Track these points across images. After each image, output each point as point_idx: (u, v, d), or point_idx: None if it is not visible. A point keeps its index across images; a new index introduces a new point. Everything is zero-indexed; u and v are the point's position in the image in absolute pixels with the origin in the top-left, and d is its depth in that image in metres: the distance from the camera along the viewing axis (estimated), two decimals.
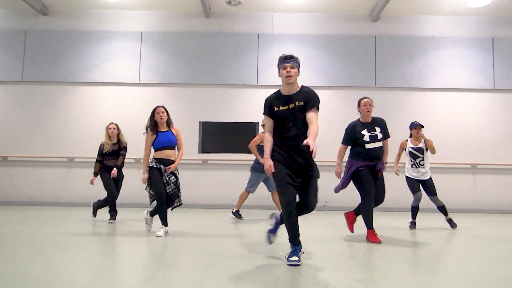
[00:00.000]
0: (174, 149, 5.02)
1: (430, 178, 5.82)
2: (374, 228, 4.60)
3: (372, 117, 4.79)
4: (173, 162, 4.92)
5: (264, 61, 9.25)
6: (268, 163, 3.37)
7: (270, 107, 3.55)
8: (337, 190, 4.85)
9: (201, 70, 9.24)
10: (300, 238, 3.36)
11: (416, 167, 5.83)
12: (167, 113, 5.06)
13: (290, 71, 3.46)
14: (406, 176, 5.91)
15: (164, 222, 4.80)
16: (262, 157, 4.12)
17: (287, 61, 3.49)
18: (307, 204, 3.39)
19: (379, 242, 4.45)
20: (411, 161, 5.87)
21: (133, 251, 4.00)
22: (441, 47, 9.28)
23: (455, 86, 9.20)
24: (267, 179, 6.72)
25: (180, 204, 5.04)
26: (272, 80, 9.05)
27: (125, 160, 6.29)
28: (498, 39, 9.27)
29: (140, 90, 9.19)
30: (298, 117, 3.42)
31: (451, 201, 8.78)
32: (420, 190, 5.82)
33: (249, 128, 9.11)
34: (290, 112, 3.43)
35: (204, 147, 9.13)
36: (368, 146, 4.62)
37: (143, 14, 9.44)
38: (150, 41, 9.33)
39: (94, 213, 6.31)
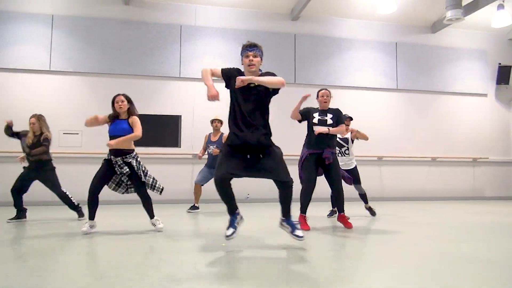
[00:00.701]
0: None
1: (356, 167, 6.22)
2: (306, 214, 4.91)
3: (328, 107, 5.16)
4: (122, 151, 4.56)
5: (187, 53, 9.13)
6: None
7: (230, 76, 3.55)
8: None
9: (121, 60, 8.82)
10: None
11: (342, 156, 6.18)
12: (131, 102, 4.79)
13: (252, 60, 3.49)
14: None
15: (91, 216, 4.56)
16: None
17: (250, 49, 3.51)
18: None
19: (309, 229, 4.74)
20: (337, 150, 6.15)
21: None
22: (353, 49, 10.02)
23: (364, 85, 10.01)
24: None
25: (155, 188, 4.73)
26: (195, 72, 8.97)
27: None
28: (401, 43, 10.29)
29: (52, 78, 8.48)
30: (259, 100, 3.51)
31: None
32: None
33: (172, 121, 8.95)
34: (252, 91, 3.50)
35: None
36: (315, 128, 4.90)
37: None
38: (62, 26, 8.63)
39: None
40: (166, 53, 9.05)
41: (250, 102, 3.48)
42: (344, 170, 6.01)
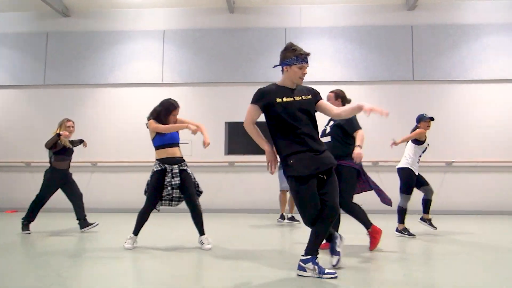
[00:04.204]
0: (178, 147, 4.41)
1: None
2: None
3: None
4: (180, 158, 4.34)
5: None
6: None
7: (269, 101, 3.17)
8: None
9: (226, 68, 8.82)
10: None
11: (417, 163, 5.24)
12: None
13: (305, 73, 3.12)
14: (409, 169, 5.13)
15: (136, 232, 4.28)
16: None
17: (307, 61, 3.12)
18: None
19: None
20: (421, 156, 5.24)
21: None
22: (484, 35, 8.54)
23: (500, 77, 8.45)
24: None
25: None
26: None
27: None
28: None
29: (164, 90, 8.82)
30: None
31: (497, 202, 8.11)
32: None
33: None
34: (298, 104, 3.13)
35: (231, 149, 8.71)
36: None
37: (164, 12, 9.10)
38: (173, 40, 8.97)
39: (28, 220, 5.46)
40: (271, 58, 8.77)
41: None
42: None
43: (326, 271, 2.99)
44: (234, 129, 8.71)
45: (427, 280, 3.09)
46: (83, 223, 5.52)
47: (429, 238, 5.00)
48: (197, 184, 4.43)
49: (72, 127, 5.63)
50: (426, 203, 5.35)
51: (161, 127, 4.19)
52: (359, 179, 4.19)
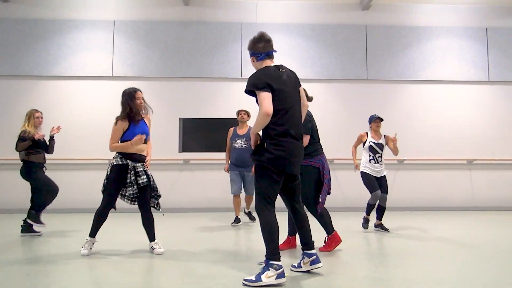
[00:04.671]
0: (146, 144, 4.14)
1: (385, 175, 5.53)
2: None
3: None
4: (145, 157, 4.10)
5: (248, 52, 8.57)
6: None
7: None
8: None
9: (181, 62, 8.51)
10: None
11: (375, 163, 5.46)
12: None
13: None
14: (363, 172, 5.50)
15: (93, 233, 3.96)
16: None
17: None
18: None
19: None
20: (370, 155, 5.47)
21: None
22: (434, 38, 8.84)
23: (449, 78, 8.78)
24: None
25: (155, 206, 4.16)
26: None
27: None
28: (492, 29, 8.90)
29: (114, 83, 8.37)
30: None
31: (447, 199, 8.46)
32: (379, 188, 5.38)
33: (234, 125, 8.43)
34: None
35: (185, 146, 8.42)
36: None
37: (115, 1, 8.62)
38: (124, 31, 8.52)
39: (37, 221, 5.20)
40: (227, 53, 8.59)
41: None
42: (374, 177, 5.44)
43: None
44: (188, 125, 8.44)
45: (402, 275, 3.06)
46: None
47: (392, 235, 5.08)
48: (156, 187, 4.17)
49: (41, 118, 5.34)
50: (379, 209, 5.53)
51: (112, 146, 3.99)
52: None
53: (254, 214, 6.56)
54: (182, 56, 8.52)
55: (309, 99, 4.30)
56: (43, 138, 5.27)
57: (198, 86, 8.51)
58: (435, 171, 8.57)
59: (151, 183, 4.09)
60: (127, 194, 3.94)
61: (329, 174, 4.07)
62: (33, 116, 5.28)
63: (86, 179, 7.87)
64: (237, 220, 6.19)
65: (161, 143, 8.14)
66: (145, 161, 4.08)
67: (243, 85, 9.04)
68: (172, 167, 8.26)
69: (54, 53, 8.38)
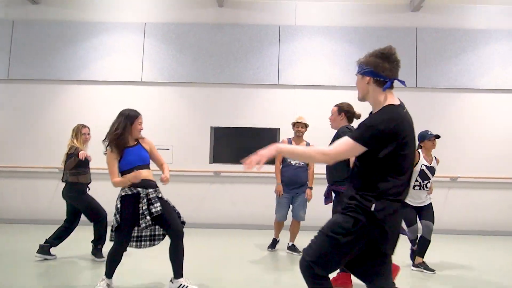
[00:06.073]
0: (149, 169, 3.64)
1: (431, 202, 4.66)
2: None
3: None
4: (154, 182, 3.60)
5: (286, 57, 7.99)
6: None
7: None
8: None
9: (213, 67, 8.00)
10: None
11: (419, 189, 4.56)
12: None
13: None
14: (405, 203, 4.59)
15: (109, 275, 3.43)
16: None
17: None
18: None
19: None
20: (417, 181, 4.53)
21: None
22: (493, 42, 7.94)
23: (509, 87, 7.88)
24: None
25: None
26: (295, 78, 7.85)
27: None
28: None
29: (143, 89, 7.96)
30: None
31: (503, 221, 7.54)
32: (417, 222, 4.55)
33: (269, 134, 7.85)
34: None
35: (216, 157, 7.89)
36: None
37: (146, 3, 8.23)
38: (154, 34, 8.10)
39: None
40: (262, 58, 8.02)
41: None
42: (414, 208, 4.57)
43: None
44: (220, 134, 7.91)
45: None
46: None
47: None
48: (178, 213, 3.61)
49: (88, 134, 4.92)
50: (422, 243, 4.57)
51: (114, 182, 3.52)
52: None
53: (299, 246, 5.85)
54: (215, 60, 8.01)
55: (357, 116, 3.86)
56: (88, 157, 4.75)
57: (231, 92, 7.97)
58: (493, 190, 7.66)
59: (171, 207, 3.56)
60: (143, 234, 3.43)
61: None
62: (80, 133, 4.88)
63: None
64: (274, 244, 5.55)
65: (191, 154, 7.69)
66: (163, 179, 3.57)
67: (280, 91, 8.54)
68: (202, 179, 7.75)
69: (83, 56, 8.06)
